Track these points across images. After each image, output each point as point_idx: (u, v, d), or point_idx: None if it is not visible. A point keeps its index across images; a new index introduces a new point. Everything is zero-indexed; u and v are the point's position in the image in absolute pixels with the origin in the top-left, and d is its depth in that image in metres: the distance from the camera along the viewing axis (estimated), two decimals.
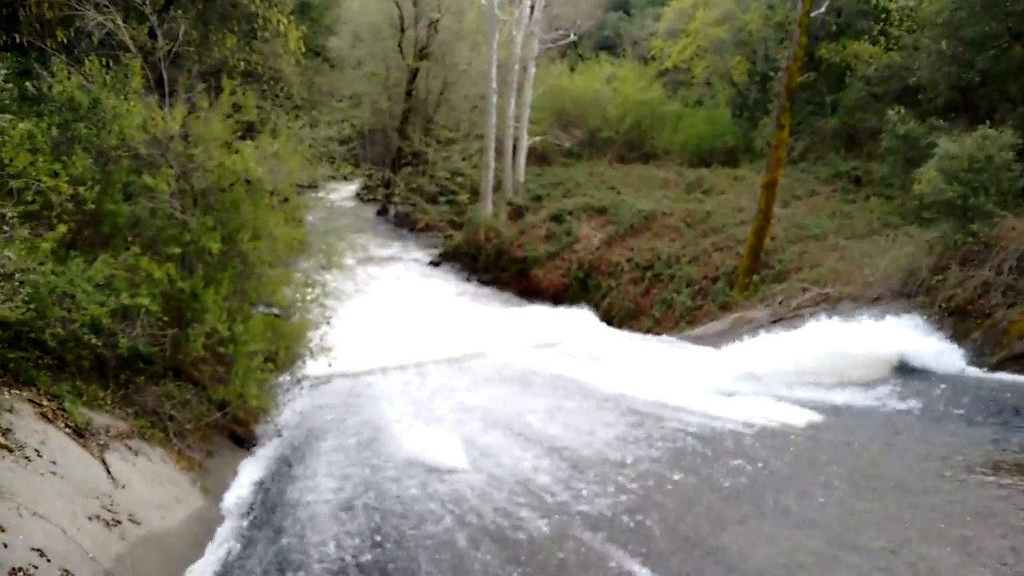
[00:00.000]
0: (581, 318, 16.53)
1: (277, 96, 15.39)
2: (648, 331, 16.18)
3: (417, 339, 15.04)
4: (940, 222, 10.39)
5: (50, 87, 6.48)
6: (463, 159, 24.21)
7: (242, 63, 14.41)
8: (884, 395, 8.78)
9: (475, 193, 22.72)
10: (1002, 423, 7.53)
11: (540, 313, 17.38)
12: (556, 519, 6.14)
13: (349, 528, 6.27)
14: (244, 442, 8.68)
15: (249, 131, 12.28)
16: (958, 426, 7.64)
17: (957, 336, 9.53)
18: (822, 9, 16.25)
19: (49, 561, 4.28)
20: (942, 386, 8.71)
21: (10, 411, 5.37)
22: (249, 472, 7.78)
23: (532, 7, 22.69)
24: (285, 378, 10.96)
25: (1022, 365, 8.68)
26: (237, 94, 8.07)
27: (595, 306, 18.02)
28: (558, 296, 19.06)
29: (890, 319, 10.04)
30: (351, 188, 36.55)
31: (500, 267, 20.71)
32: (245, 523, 6.47)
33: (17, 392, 5.68)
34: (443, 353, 13.97)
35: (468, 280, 21.27)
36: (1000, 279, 9.32)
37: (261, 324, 8.20)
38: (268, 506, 6.87)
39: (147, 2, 8.04)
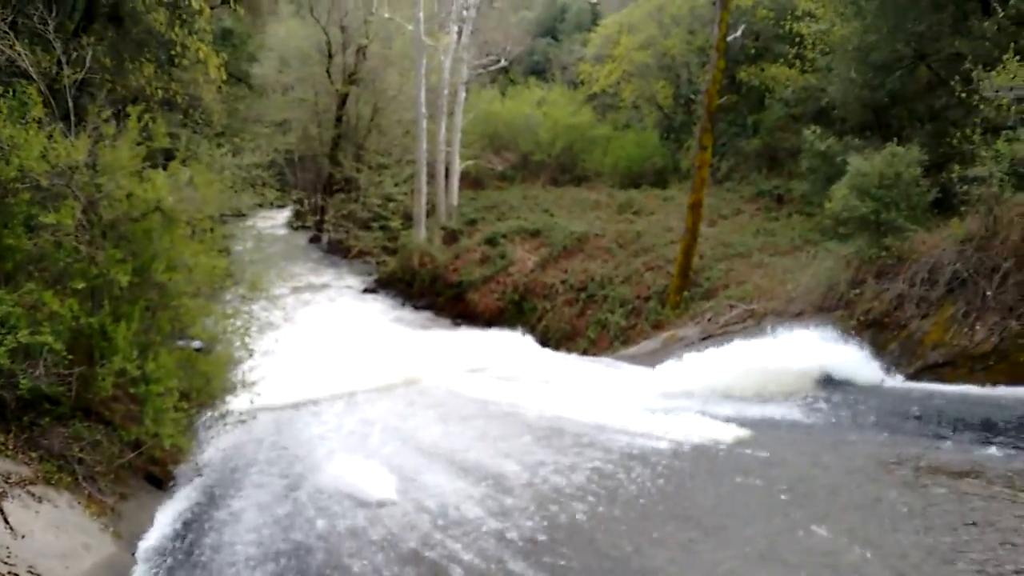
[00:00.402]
0: (516, 341, 16.52)
1: (197, 124, 15.08)
2: (584, 352, 16.27)
3: (349, 368, 14.74)
4: (856, 237, 10.77)
5: None
6: (395, 184, 24.07)
7: (160, 91, 14.05)
8: (808, 408, 9.00)
9: (408, 218, 22.58)
10: (917, 429, 7.79)
11: (475, 337, 17.33)
12: (485, 548, 6.03)
13: (272, 570, 6.03)
14: (162, 483, 8.30)
15: (169, 159, 11.95)
16: (877, 434, 7.86)
17: (876, 348, 9.86)
18: (738, 33, 16.86)
19: None
20: (862, 397, 8.98)
21: None
22: (166, 515, 7.42)
23: (460, 33, 22.85)
24: (209, 414, 10.65)
25: (937, 374, 9.04)
26: (145, 121, 7.78)
27: (532, 328, 18.03)
28: (494, 319, 19.01)
29: (811, 334, 10.31)
30: (283, 216, 35.92)
31: (435, 292, 20.57)
32: (162, 569, 6.16)
33: None
34: (375, 381, 13.73)
35: (403, 306, 21.04)
36: (913, 291, 9.70)
37: (176, 360, 7.88)
38: (185, 550, 6.56)
39: (51, 29, 7.73)
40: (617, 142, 28.45)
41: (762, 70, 22.96)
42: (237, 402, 12.91)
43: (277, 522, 7.14)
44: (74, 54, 8.46)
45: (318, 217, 28.12)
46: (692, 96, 25.40)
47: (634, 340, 15.69)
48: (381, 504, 7.37)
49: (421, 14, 20.18)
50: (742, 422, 8.77)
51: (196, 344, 10.16)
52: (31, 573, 5.00)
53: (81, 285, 6.83)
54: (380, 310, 20.48)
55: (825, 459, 7.29)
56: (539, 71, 40.49)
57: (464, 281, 19.91)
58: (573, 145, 29.79)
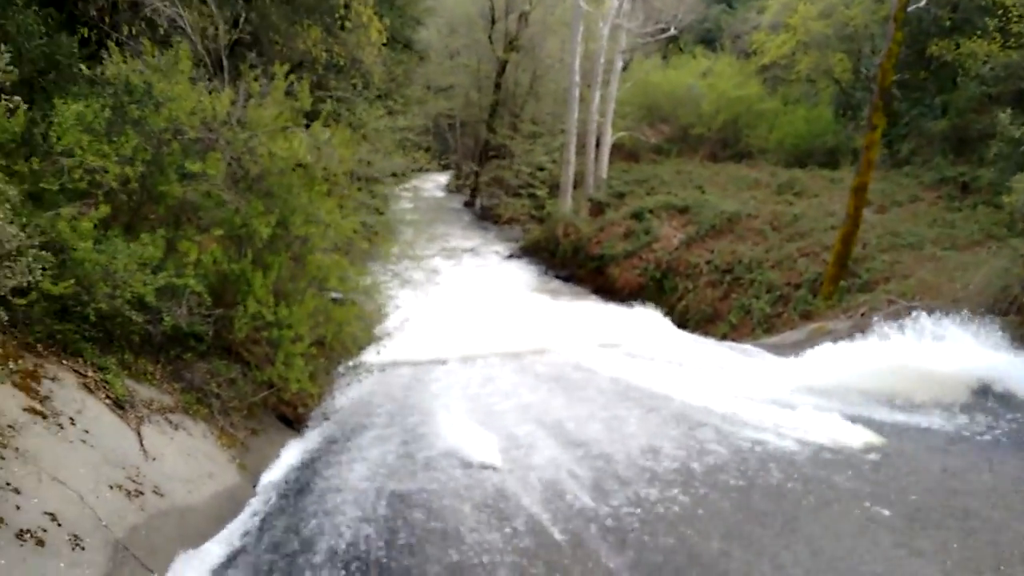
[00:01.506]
0: (652, 319, 16.06)
1: (355, 87, 15.70)
2: (724, 337, 15.57)
3: (483, 332, 15.04)
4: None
5: (103, 71, 6.78)
6: (546, 153, 24.00)
7: (324, 54, 14.74)
8: (956, 418, 8.06)
9: (556, 188, 22.52)
10: None
11: (611, 312, 17.05)
12: (574, 528, 5.94)
13: (370, 515, 6.28)
14: (293, 424, 8.88)
15: (330, 117, 12.55)
16: None
17: None
18: (922, 3, 15.10)
19: (60, 526, 4.45)
20: (1021, 414, 7.91)
21: (53, 380, 5.65)
22: (292, 453, 7.93)
23: (620, 1, 22.22)
24: (345, 363, 11.27)
25: None
26: (291, 81, 8.17)
27: (671, 308, 17.51)
28: (634, 295, 18.60)
29: (974, 337, 9.21)
30: (443, 179, 37.12)
31: (577, 263, 20.44)
32: (274, 502, 6.59)
33: (64, 363, 5.97)
34: (507, 347, 13.89)
35: (545, 274, 21.12)
36: None
37: (310, 308, 8.33)
38: (301, 487, 6.98)
39: None
40: (785, 118, 26.70)
41: (957, 45, 20.53)
42: (373, 354, 13.66)
43: (386, 472, 7.42)
44: (234, 16, 8.99)
45: (473, 182, 28.76)
46: (872, 71, 23.22)
47: (779, 329, 14.80)
48: (483, 467, 7.46)
49: None
50: (878, 426, 8.02)
51: (334, 295, 10.76)
52: (156, 493, 5.50)
53: (220, 233, 7.35)
54: (521, 277, 20.67)
55: (960, 480, 6.49)
56: (710, 40, 38.72)
57: (606, 254, 19.62)
58: (737, 119, 28.33)
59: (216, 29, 8.22)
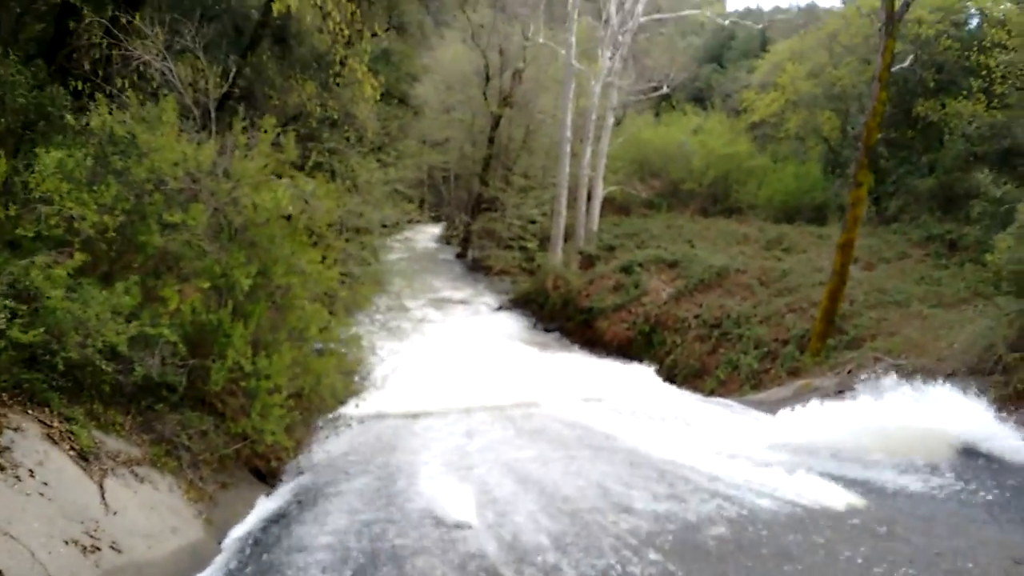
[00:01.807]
0: (639, 374, 16.03)
1: (348, 140, 15.95)
2: (711, 392, 15.49)
3: (469, 384, 14.94)
4: (1021, 294, 9.48)
5: (87, 122, 6.87)
6: (536, 206, 24.25)
7: (318, 108, 15.01)
8: (940, 480, 7.94)
9: (547, 240, 22.68)
10: None
11: (598, 366, 17.01)
12: None
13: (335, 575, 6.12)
14: (267, 478, 8.72)
15: (317, 169, 12.67)
16: (1014, 524, 6.77)
17: None
18: (906, 64, 15.52)
19: None
20: (1006, 477, 7.81)
21: (15, 430, 5.56)
22: (262, 509, 7.75)
23: (612, 59, 22.74)
24: (325, 416, 11.14)
25: None
26: (277, 134, 8.28)
27: (659, 362, 17.48)
28: (622, 349, 18.59)
29: (958, 398, 9.17)
30: (435, 231, 37.39)
31: (566, 316, 20.46)
32: (238, 560, 6.41)
33: (29, 412, 5.89)
34: (493, 401, 13.80)
35: (534, 327, 21.11)
36: None
37: (288, 359, 8.27)
38: (268, 544, 6.81)
39: (199, 48, 8.45)
40: (774, 174, 27.15)
41: (943, 105, 21.02)
42: (355, 406, 13.51)
43: (357, 529, 7.24)
44: (225, 70, 9.16)
45: (465, 234, 28.96)
46: (859, 129, 23.70)
47: (766, 385, 14.75)
48: (458, 526, 7.30)
49: (573, 39, 20.32)
50: (861, 487, 7.90)
51: (317, 345, 10.72)
52: (113, 549, 5.36)
53: (206, 284, 7.34)
54: (510, 329, 20.63)
55: (944, 544, 6.35)
56: (701, 98, 39.58)
57: (595, 307, 19.65)
58: (727, 175, 28.79)
59: (206, 83, 8.35)
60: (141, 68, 8.58)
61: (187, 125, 8.05)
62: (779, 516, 7.30)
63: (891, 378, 11.09)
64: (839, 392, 12.02)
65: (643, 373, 16.10)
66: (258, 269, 7.89)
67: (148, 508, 6.22)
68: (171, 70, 8.04)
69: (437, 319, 21.13)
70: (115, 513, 5.71)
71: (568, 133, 20.99)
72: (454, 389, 14.60)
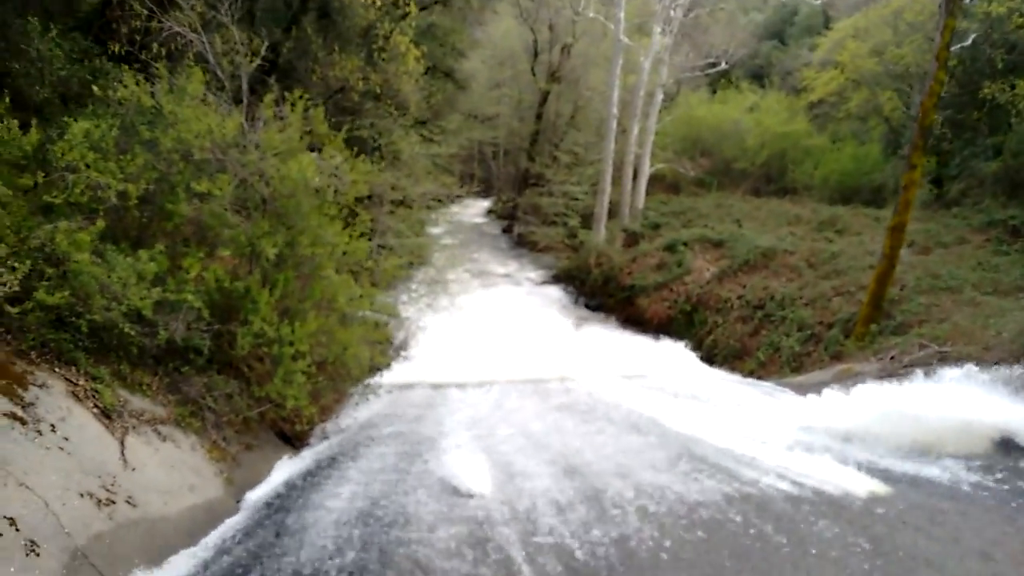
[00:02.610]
0: (676, 353, 15.83)
1: (391, 114, 16.00)
2: (750, 373, 15.20)
3: (505, 357, 15.04)
4: None
5: (115, 92, 7.07)
6: (577, 183, 23.99)
7: (361, 82, 15.08)
8: (972, 472, 7.64)
9: (591, 217, 22.48)
10: None
11: (636, 343, 16.87)
12: (543, 563, 5.80)
13: (344, 538, 6.26)
14: (292, 441, 8.95)
15: (355, 143, 12.78)
16: None
17: None
18: (968, 42, 14.71)
19: (18, 531, 4.55)
20: None
21: (41, 387, 5.82)
22: (284, 470, 7.98)
23: (664, 34, 22.24)
24: (361, 383, 11.35)
25: None
26: (299, 106, 8.37)
27: (699, 342, 17.23)
28: (662, 327, 18.35)
29: (1001, 387, 8.77)
30: (484, 205, 37.46)
31: (607, 293, 20.29)
32: (254, 518, 6.62)
33: (56, 371, 6.16)
34: (527, 374, 13.87)
35: (575, 303, 21.01)
36: None
37: (314, 327, 8.44)
38: (284, 505, 7.01)
39: (232, 21, 8.56)
40: (832, 155, 26.21)
41: (1012, 86, 19.88)
42: (389, 375, 13.72)
43: (373, 494, 7.39)
44: (260, 43, 9.27)
45: (511, 209, 28.93)
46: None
47: (807, 368, 14.37)
48: (471, 496, 7.38)
49: (621, 14, 19.92)
50: (888, 476, 7.67)
51: (364, 314, 10.90)
52: (128, 503, 5.59)
53: (227, 253, 7.52)
54: (550, 304, 20.58)
55: (965, 539, 6.12)
56: (760, 76, 38.41)
57: (636, 285, 19.43)
58: (783, 155, 27.96)
59: (239, 56, 8.46)
60: (178, 41, 8.76)
61: (221, 97, 8.20)
62: (795, 500, 7.15)
63: (935, 366, 10.71)
64: (880, 378, 11.63)
65: (680, 352, 15.89)
66: (284, 239, 8.03)
67: (168, 466, 6.46)
68: (205, 43, 8.19)
69: (478, 292, 21.25)
70: (133, 469, 5.95)
71: (615, 110, 20.67)
72: (490, 361, 14.72)
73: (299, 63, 14.55)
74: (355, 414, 10.71)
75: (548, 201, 24.05)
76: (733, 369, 15.63)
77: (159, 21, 8.49)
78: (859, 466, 7.93)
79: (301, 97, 8.45)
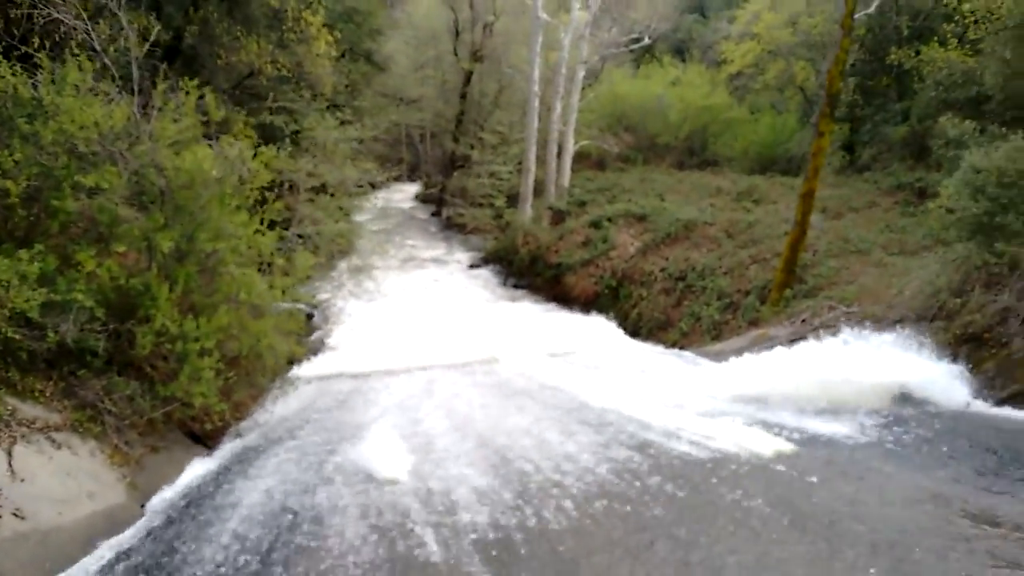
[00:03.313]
0: (603, 328, 16.06)
1: (303, 97, 15.63)
2: (674, 344, 15.53)
3: (432, 342, 14.99)
4: (964, 240, 9.42)
5: None
6: (504, 163, 23.97)
7: (269, 65, 14.67)
8: (873, 427, 7.99)
9: (517, 197, 22.50)
10: (987, 466, 6.70)
11: (560, 321, 17.04)
12: (455, 545, 5.82)
13: (252, 535, 6.14)
14: (204, 441, 8.74)
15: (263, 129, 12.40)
16: (937, 466, 6.83)
17: (969, 366, 8.61)
18: (871, 9, 15.19)
19: None
20: (938, 421, 7.86)
21: None
22: (194, 471, 7.78)
23: (583, 11, 22.27)
24: (280, 376, 11.14)
25: None
26: (192, 94, 8.08)
27: (624, 316, 17.51)
28: (590, 303, 18.59)
29: (899, 343, 9.19)
30: (413, 190, 37.10)
31: (535, 272, 20.40)
32: (159, 523, 6.45)
33: None
34: (454, 358, 13.85)
35: (503, 284, 21.08)
36: (1021, 305, 8.33)
37: (223, 322, 8.22)
38: (192, 507, 6.84)
39: (120, 5, 8.17)
40: (750, 126, 26.84)
41: (917, 52, 20.66)
42: (315, 367, 13.50)
43: (285, 489, 7.27)
44: (149, 29, 8.89)
45: (439, 192, 28.73)
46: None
47: (726, 336, 14.78)
48: (387, 483, 7.35)
49: None
50: (793, 435, 7.95)
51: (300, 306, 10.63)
52: (16, 516, 5.37)
53: (122, 249, 7.24)
54: (478, 286, 20.61)
55: (863, 489, 6.40)
56: (683, 50, 38.93)
57: (563, 263, 19.59)
58: (705, 128, 28.49)
59: (127, 42, 8.08)
60: (60, 30, 8.33)
61: (111, 87, 7.83)
62: (705, 463, 7.36)
63: (840, 326, 11.13)
64: (792, 341, 12.05)
65: (606, 327, 16.12)
66: (182, 233, 7.78)
67: (63, 474, 6.23)
68: (90, 30, 7.80)
69: (406, 278, 21.11)
70: (22, 480, 5.71)
71: (536, 87, 20.66)
72: (417, 347, 14.66)
73: (203, 48, 14.06)
74: (274, 409, 10.52)
75: (475, 183, 23.97)
76: (658, 341, 15.94)
77: (41, 7, 8.04)
78: (768, 428, 8.20)
79: (199, 85, 8.14)
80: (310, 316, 17.00)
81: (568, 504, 6.54)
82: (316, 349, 15.15)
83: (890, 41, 21.99)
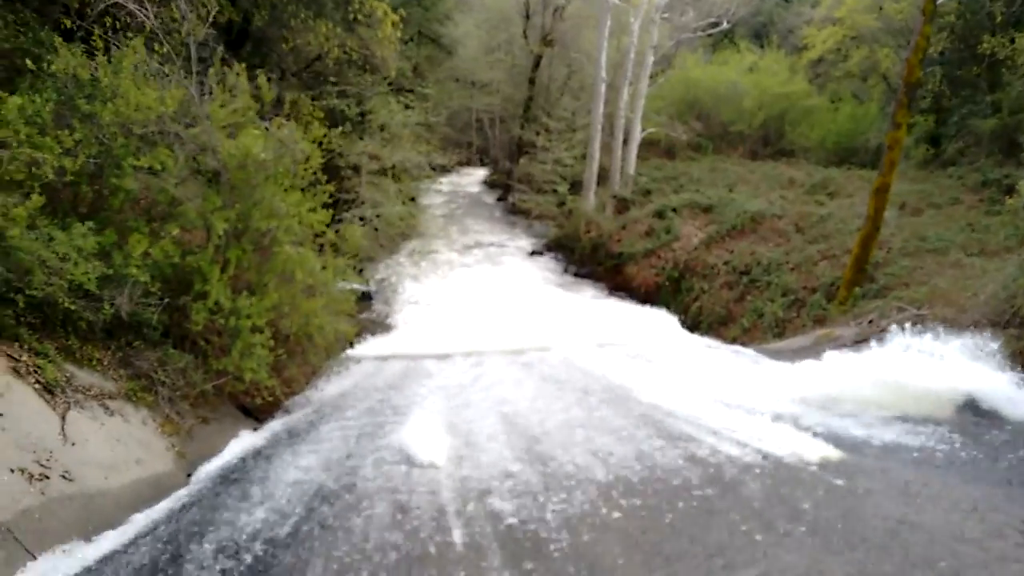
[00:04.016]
0: (660, 320, 15.77)
1: (370, 81, 15.79)
2: (734, 340, 15.12)
3: (489, 328, 15.05)
4: None
5: (50, 65, 6.98)
6: (568, 148, 23.69)
7: (336, 49, 14.87)
8: (933, 437, 7.55)
9: (580, 184, 22.27)
10: None
11: (622, 311, 16.83)
12: (478, 533, 5.82)
13: (286, 510, 6.30)
14: (255, 415, 9.01)
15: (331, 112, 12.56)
16: (992, 482, 6.40)
17: None
18: None
19: None
20: (1004, 436, 7.38)
21: None
22: (241, 443, 8.02)
23: None
24: (334, 355, 11.38)
25: None
26: (243, 76, 8.24)
27: (685, 309, 17.16)
28: (650, 295, 18.29)
29: (970, 351, 8.67)
30: (483, 174, 37.19)
31: (596, 261, 20.18)
32: (201, 492, 6.67)
33: None
34: (507, 344, 13.87)
35: (565, 272, 20.93)
36: None
37: (274, 299, 8.42)
38: (235, 478, 7.06)
39: None
40: (828, 115, 25.74)
41: (1012, 40, 19.33)
42: (371, 347, 13.73)
43: (325, 467, 7.43)
44: (215, 12, 9.11)
45: (506, 177, 28.71)
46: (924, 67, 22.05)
47: (789, 334, 14.30)
48: (424, 467, 7.41)
49: None
50: (845, 441, 7.61)
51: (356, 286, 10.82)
52: (64, 478, 5.64)
53: (175, 231, 7.48)
54: (540, 273, 20.52)
55: (906, 502, 6.07)
56: (762, 35, 37.60)
57: (625, 252, 19.31)
58: (783, 116, 27.48)
59: (188, 24, 8.30)
60: (120, 13, 8.62)
61: (173, 69, 8.08)
62: (748, 466, 7.12)
63: (909, 329, 10.58)
64: (857, 343, 11.55)
65: (664, 320, 15.83)
66: (236, 213, 7.98)
67: (114, 440, 6.51)
68: (147, 13, 8.06)
69: (468, 262, 21.21)
70: (73, 444, 5.99)
71: (603, 73, 20.31)
72: (472, 332, 14.73)
73: (272, 31, 14.36)
74: (326, 387, 10.75)
75: (540, 168, 23.81)
76: (718, 336, 15.55)
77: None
78: (819, 433, 7.86)
79: (268, 68, 8.33)
80: (369, 296, 17.31)
81: (596, 498, 6.45)
82: (374, 329, 15.37)
83: (983, 28, 20.65)
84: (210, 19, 8.55)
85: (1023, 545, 5.23)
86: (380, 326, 14.87)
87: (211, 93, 8.02)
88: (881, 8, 23.82)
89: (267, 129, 8.29)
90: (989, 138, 19.90)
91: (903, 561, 5.09)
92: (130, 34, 7.94)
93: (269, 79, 9.06)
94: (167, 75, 7.83)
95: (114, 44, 7.58)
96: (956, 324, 10.35)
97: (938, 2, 13.39)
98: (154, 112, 7.21)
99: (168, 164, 7.22)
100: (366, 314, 16.75)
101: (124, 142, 7.08)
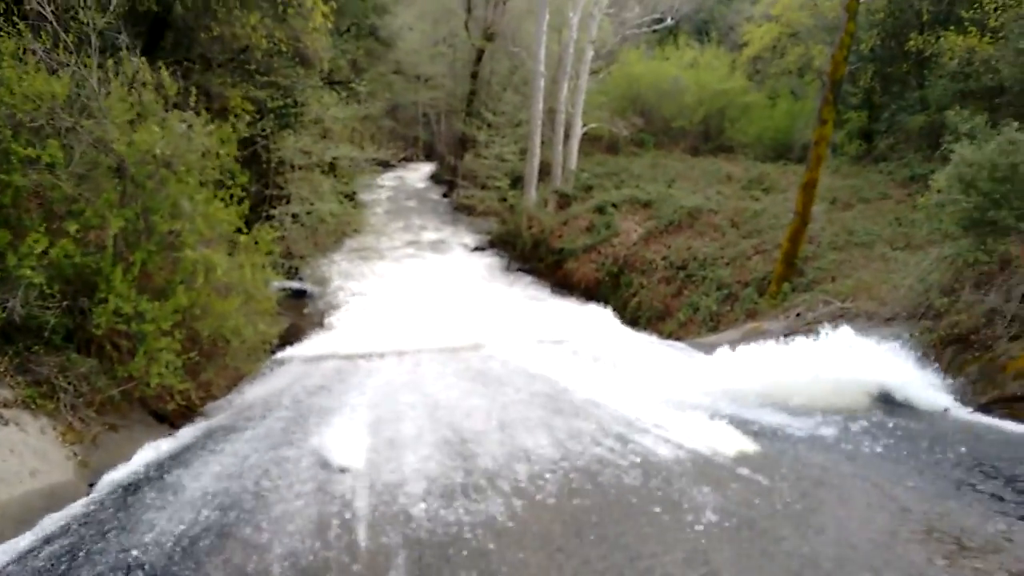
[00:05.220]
0: (597, 316, 15.81)
1: (298, 74, 15.43)
2: (670, 335, 15.28)
3: (424, 326, 14.89)
4: (955, 237, 9.03)
5: None
6: (510, 143, 23.64)
7: (264, 40, 14.47)
8: (846, 428, 7.68)
9: (522, 180, 22.23)
10: (953, 475, 6.39)
11: (561, 308, 16.85)
12: (385, 537, 5.68)
13: (190, 520, 6.05)
14: (170, 420, 8.69)
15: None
16: (901, 474, 6.53)
17: (952, 369, 8.26)
18: None
19: None
20: (915, 425, 7.55)
21: None
22: (151, 451, 7.70)
23: None
24: (259, 357, 11.07)
25: (1012, 409, 7.36)
26: (144, 69, 7.92)
27: (624, 304, 17.26)
28: (590, 291, 18.36)
29: (884, 342, 8.86)
30: (428, 169, 36.92)
31: (538, 257, 20.19)
32: (104, 501, 6.39)
33: None
34: (443, 343, 13.74)
35: (507, 268, 20.87)
36: (1008, 306, 7.94)
37: (183, 302, 8.12)
38: (141, 487, 6.78)
39: None
40: (765, 111, 26.19)
41: (937, 38, 19.90)
42: (304, 347, 13.42)
43: (240, 473, 7.18)
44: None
45: (450, 173, 28.54)
46: (857, 63, 22.58)
47: (723, 328, 14.49)
48: (339, 470, 7.23)
49: None
50: (761, 434, 7.70)
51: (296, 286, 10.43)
52: None
53: (74, 228, 7.14)
54: (481, 270, 20.46)
55: (815, 495, 6.15)
56: (705, 31, 38.11)
57: (565, 248, 19.34)
58: (722, 112, 27.88)
59: (85, 12, 7.90)
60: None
61: (66, 59, 7.69)
62: (664, 461, 7.13)
63: (832, 322, 10.79)
64: (784, 336, 11.73)
65: (601, 315, 15.87)
66: (136, 212, 7.66)
67: (7, 451, 6.18)
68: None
69: (409, 259, 21.00)
70: None
71: (541, 67, 20.28)
72: (407, 330, 14.56)
73: (195, 20, 13.89)
74: (251, 390, 10.47)
75: (482, 164, 23.69)
76: (656, 331, 15.69)
77: None
78: (738, 426, 7.91)
79: (191, 60, 8.00)
80: (305, 294, 16.98)
81: (512, 499, 6.37)
82: (309, 330, 15.09)
83: (911, 26, 21.25)
84: (112, 7, 8.17)
85: (923, 540, 5.32)
86: (315, 326, 14.59)
87: (106, 85, 7.66)
88: (816, 4, 24.31)
89: (165, 124, 7.95)
90: (918, 134, 20.47)
91: (799, 557, 5.13)
92: (27, 21, 7.52)
93: (191, 71, 8.73)
94: (66, 64, 7.46)
95: (3, 33, 7.17)
96: (877, 316, 10.61)
97: None
98: (44, 102, 6.85)
99: (58, 158, 6.86)
100: (303, 313, 16.43)
101: (9, 133, 6.71)
